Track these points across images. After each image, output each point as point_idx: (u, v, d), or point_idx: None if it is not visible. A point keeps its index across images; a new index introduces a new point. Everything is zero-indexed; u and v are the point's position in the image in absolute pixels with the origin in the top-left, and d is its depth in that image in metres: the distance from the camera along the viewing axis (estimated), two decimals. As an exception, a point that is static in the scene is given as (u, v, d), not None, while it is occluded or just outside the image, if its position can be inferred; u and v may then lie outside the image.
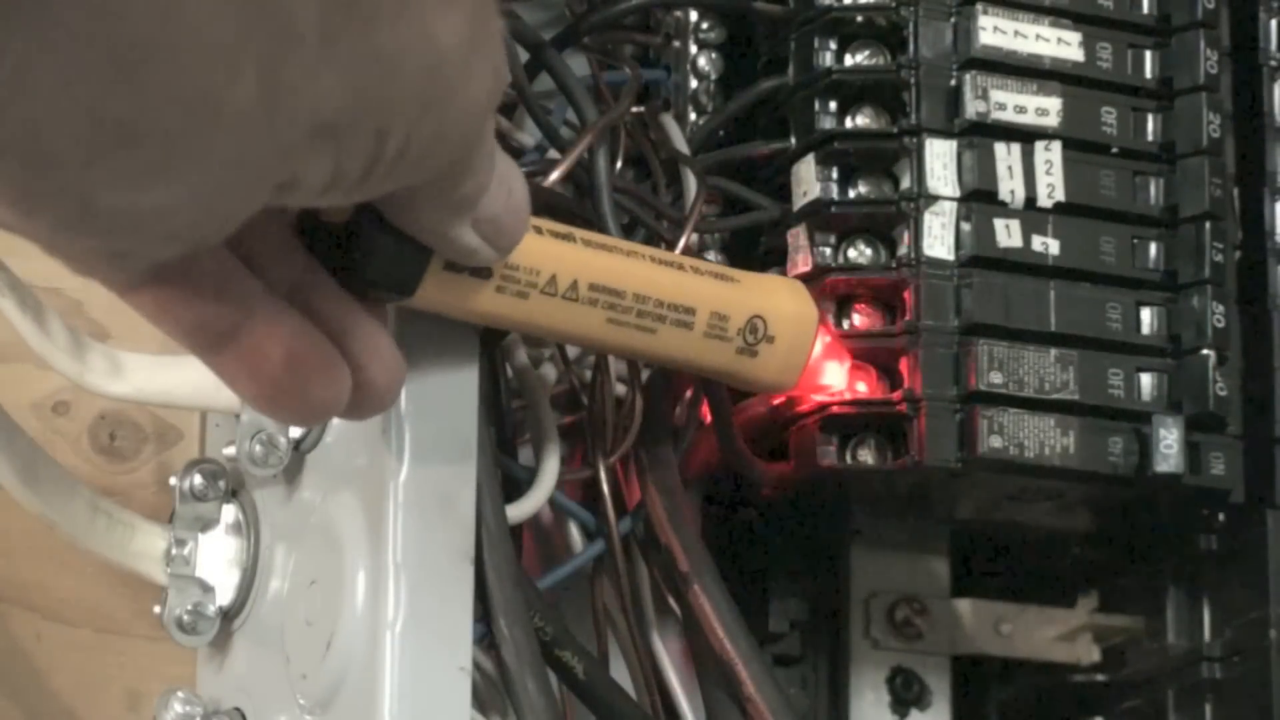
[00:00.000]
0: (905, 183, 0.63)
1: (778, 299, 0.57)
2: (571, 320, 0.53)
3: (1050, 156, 0.63)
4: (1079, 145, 0.64)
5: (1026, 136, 0.63)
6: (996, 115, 0.63)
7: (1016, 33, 0.64)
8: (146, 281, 0.42)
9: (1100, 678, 0.72)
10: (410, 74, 0.40)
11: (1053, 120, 0.64)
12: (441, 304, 0.50)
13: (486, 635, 0.54)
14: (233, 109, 0.36)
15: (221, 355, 0.44)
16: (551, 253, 0.52)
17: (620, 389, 0.64)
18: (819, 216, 0.63)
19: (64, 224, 0.38)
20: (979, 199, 0.63)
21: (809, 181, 0.63)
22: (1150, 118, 0.65)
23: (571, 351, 0.66)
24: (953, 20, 0.64)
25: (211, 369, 0.45)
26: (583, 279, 0.52)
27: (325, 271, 0.46)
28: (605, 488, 0.62)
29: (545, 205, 0.48)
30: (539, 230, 0.51)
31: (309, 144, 0.39)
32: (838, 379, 0.62)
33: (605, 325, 0.53)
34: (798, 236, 0.64)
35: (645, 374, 0.62)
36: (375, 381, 0.47)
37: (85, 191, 0.37)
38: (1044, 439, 0.62)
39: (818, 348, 0.60)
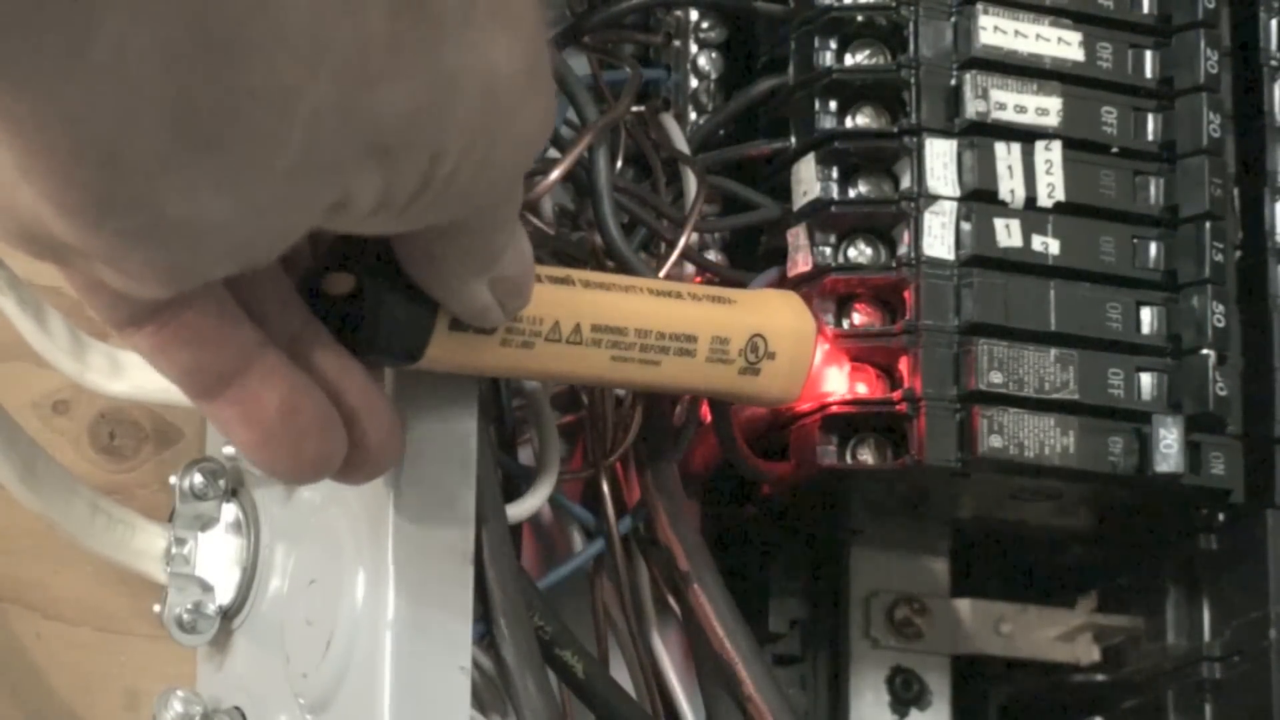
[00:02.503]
0: (905, 182, 0.63)
1: (775, 315, 0.57)
2: (577, 363, 0.52)
3: (1050, 156, 0.63)
4: (1079, 145, 0.64)
5: (1026, 136, 0.63)
6: (996, 115, 0.63)
7: (1017, 32, 0.64)
8: (148, 320, 0.42)
9: (1100, 678, 0.72)
10: (468, 96, 0.40)
11: (1053, 120, 0.64)
12: (448, 363, 0.50)
13: (486, 635, 0.54)
14: (306, 111, 0.36)
15: (216, 401, 0.44)
16: (552, 299, 0.51)
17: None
18: (819, 216, 0.63)
19: (130, 236, 0.37)
20: (979, 199, 0.63)
21: (809, 181, 0.63)
22: (1150, 117, 0.65)
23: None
24: (953, 20, 0.64)
25: (206, 414, 0.45)
26: (585, 321, 0.52)
27: (324, 327, 0.46)
28: (605, 488, 0.62)
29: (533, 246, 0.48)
30: (539, 277, 0.51)
31: (364, 161, 0.39)
32: (839, 384, 0.62)
33: (610, 364, 0.53)
34: (798, 236, 0.64)
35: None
36: (371, 441, 0.47)
37: (158, 199, 0.36)
38: (1044, 439, 0.62)
39: (817, 357, 0.60)
